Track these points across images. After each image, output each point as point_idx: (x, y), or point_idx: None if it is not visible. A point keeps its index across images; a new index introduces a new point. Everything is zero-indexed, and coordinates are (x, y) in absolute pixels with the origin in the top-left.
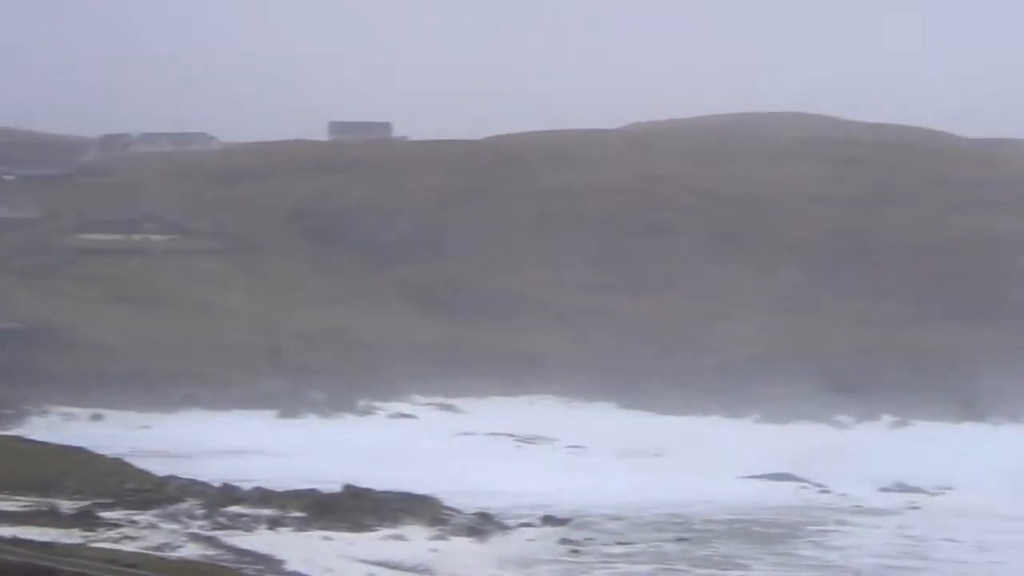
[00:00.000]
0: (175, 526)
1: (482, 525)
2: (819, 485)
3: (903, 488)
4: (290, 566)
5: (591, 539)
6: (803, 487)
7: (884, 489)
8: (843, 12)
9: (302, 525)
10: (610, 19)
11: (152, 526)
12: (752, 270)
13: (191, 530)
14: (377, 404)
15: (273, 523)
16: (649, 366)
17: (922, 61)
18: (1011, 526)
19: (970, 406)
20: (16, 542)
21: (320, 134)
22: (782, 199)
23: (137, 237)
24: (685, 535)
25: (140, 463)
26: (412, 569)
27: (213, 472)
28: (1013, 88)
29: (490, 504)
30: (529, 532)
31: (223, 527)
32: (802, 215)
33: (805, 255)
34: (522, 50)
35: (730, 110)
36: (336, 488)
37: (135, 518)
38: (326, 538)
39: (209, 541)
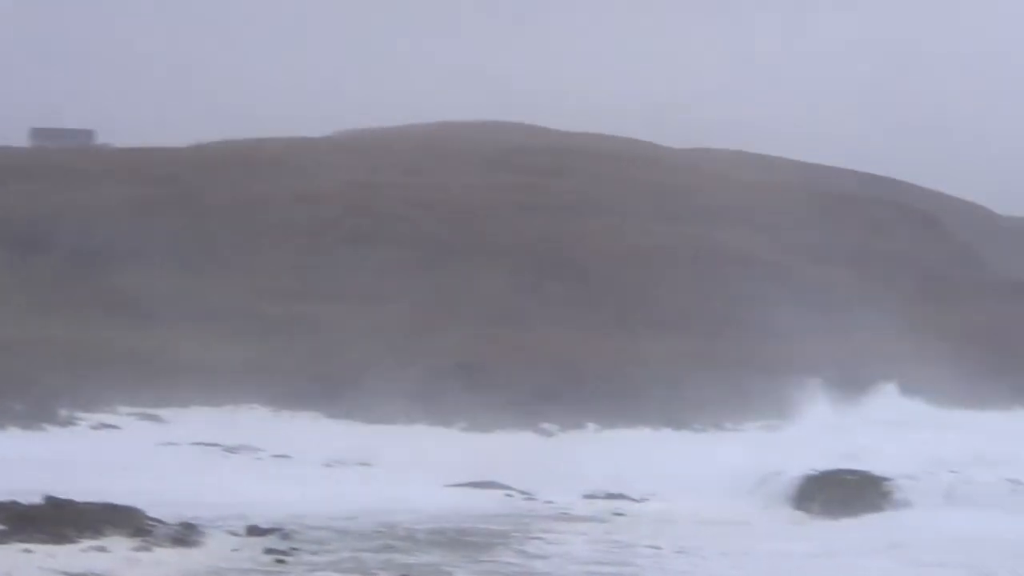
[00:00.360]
0: None
1: (186, 535)
2: (525, 493)
3: (608, 495)
4: None
5: (296, 549)
6: (508, 495)
7: (589, 496)
8: (544, 20)
9: (1, 538)
10: (317, 25)
11: None
12: (458, 279)
13: None
14: (79, 414)
15: None
16: (355, 375)
17: (624, 70)
18: (711, 530)
19: (673, 414)
20: None
21: (22, 141)
22: (488, 208)
23: None
24: (391, 543)
25: None
26: None
27: None
28: (717, 98)
29: (195, 514)
30: (234, 541)
31: None
32: (508, 224)
33: (511, 264)
34: (229, 57)
35: (437, 118)
36: (37, 500)
37: None
38: (26, 551)
39: None
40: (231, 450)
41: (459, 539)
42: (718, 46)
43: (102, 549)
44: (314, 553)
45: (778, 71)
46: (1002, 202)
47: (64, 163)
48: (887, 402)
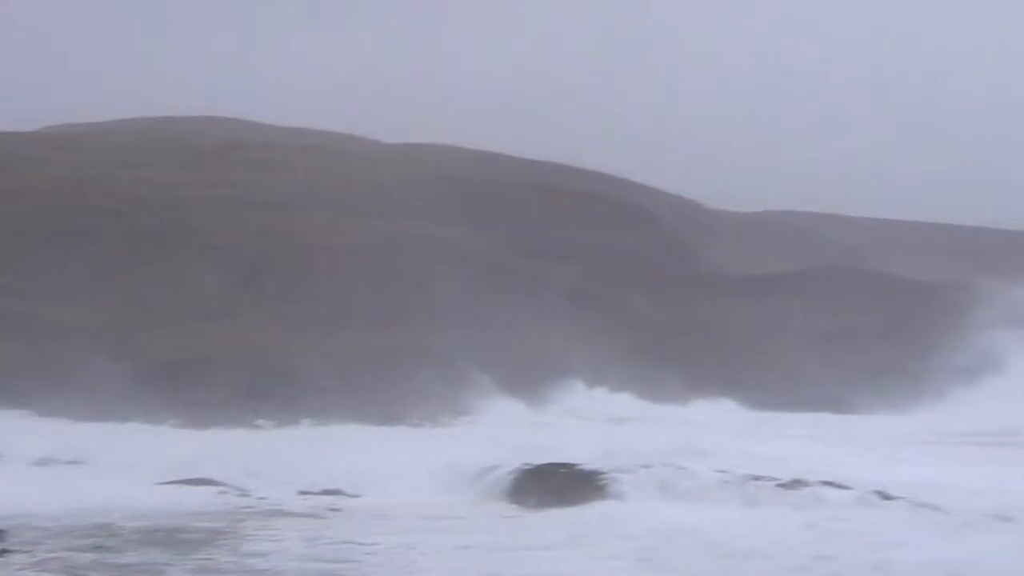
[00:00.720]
0: None
1: None
2: (239, 489)
3: (324, 491)
4: None
5: (7, 550)
6: (223, 491)
7: (304, 492)
8: (256, 14)
9: None
10: (27, 19)
11: None
12: (172, 275)
13: None
14: None
15: None
16: (66, 372)
17: (336, 64)
18: (428, 525)
19: (389, 409)
20: None
21: None
22: (203, 203)
23: None
24: (103, 543)
25: None
26: None
27: None
28: (432, 92)
29: None
30: None
31: None
32: (223, 219)
33: (226, 259)
34: None
35: (150, 113)
36: None
37: None
38: None
39: None
40: None
41: (173, 537)
42: (431, 40)
43: None
44: (25, 553)
45: (491, 65)
46: (712, 196)
47: None
48: (596, 395)
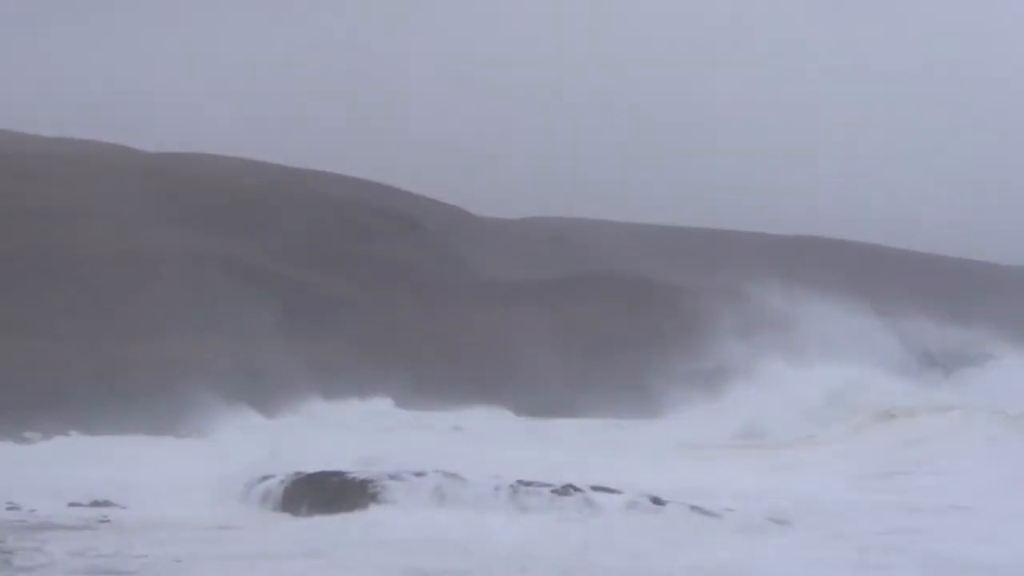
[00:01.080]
0: None
1: None
2: (8, 503)
3: (93, 503)
4: None
5: None
6: None
7: (75, 504)
8: (18, 24)
9: None
10: None
11: None
12: None
13: None
14: None
15: None
16: None
17: (101, 74)
18: (199, 536)
19: (157, 419)
20: None
21: None
22: None
23: None
24: None
25: None
26: None
27: None
28: (190, 100)
29: None
30: None
31: None
32: None
33: None
34: None
35: None
36: None
37: None
38: None
39: None
40: None
41: None
42: (191, 46)
43: None
44: None
45: (253, 69)
46: (478, 203)
47: None
48: (357, 404)
